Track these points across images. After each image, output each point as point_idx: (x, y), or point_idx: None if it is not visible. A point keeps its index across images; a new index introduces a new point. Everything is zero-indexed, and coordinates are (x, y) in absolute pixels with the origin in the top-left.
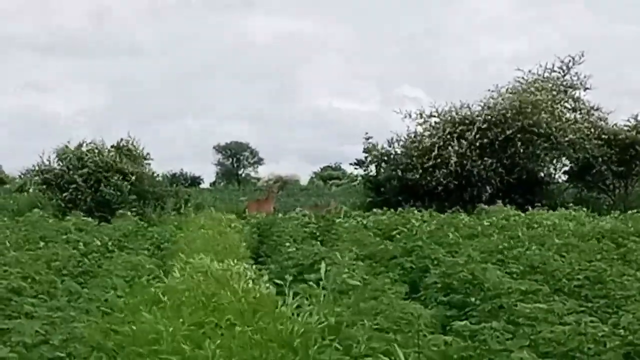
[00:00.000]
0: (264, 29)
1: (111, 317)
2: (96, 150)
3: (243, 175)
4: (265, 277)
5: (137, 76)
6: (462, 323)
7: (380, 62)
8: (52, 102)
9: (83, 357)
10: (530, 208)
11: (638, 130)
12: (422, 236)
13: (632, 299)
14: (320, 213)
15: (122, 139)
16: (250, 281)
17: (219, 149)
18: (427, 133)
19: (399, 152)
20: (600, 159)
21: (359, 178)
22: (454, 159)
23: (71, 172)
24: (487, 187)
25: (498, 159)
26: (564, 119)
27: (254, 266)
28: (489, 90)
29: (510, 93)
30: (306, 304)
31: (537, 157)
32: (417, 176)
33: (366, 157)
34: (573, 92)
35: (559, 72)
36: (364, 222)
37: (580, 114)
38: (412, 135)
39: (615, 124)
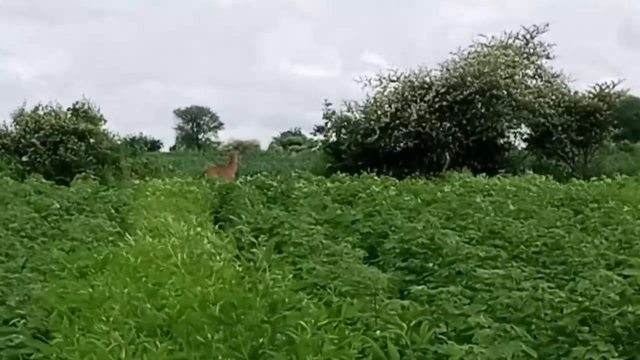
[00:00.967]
0: None
1: (67, 279)
2: (53, 113)
3: (203, 139)
4: (226, 240)
5: (99, 41)
6: (420, 288)
7: (344, 28)
8: (13, 66)
9: (39, 319)
10: (489, 175)
11: (600, 98)
12: (382, 201)
13: (590, 265)
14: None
15: (77, 102)
16: (209, 244)
17: (179, 113)
18: (386, 99)
19: (358, 117)
20: (560, 127)
21: (319, 143)
22: (414, 117)
23: (28, 135)
24: (447, 153)
25: (458, 122)
26: (524, 85)
27: (213, 228)
28: (450, 53)
29: (472, 58)
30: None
31: (497, 116)
32: (376, 137)
33: (326, 123)
34: (536, 60)
35: (522, 40)
36: (324, 186)
37: (542, 80)
38: (372, 101)
39: (577, 92)
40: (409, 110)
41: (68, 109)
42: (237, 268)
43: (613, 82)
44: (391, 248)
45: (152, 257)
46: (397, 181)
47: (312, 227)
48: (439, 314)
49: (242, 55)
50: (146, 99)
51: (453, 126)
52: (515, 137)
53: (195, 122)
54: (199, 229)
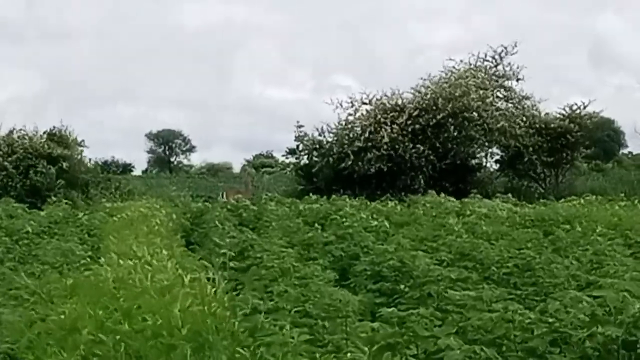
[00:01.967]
0: (197, 14)
1: (36, 304)
2: (27, 137)
3: (175, 162)
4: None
5: (68, 62)
6: (390, 310)
7: (313, 50)
8: None
9: (9, 343)
10: (460, 197)
11: (571, 120)
12: (353, 224)
13: (560, 286)
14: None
15: (54, 127)
16: (179, 268)
17: (150, 136)
18: (358, 121)
19: (330, 140)
20: (531, 148)
21: (291, 166)
22: (385, 139)
23: (0, 159)
24: (420, 176)
25: (431, 145)
26: (494, 108)
27: (183, 252)
28: (420, 78)
29: (444, 82)
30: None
31: (469, 140)
32: (350, 162)
33: (298, 146)
34: (505, 82)
35: (492, 62)
36: (296, 209)
37: (512, 103)
38: (344, 124)
39: (547, 114)
40: (381, 132)
41: (45, 132)
42: (207, 291)
43: (583, 103)
44: (362, 270)
45: (121, 282)
46: (369, 203)
47: (284, 249)
48: (409, 336)
49: (212, 77)
50: (117, 121)
51: (426, 149)
52: (486, 158)
53: (168, 145)
54: (166, 252)
